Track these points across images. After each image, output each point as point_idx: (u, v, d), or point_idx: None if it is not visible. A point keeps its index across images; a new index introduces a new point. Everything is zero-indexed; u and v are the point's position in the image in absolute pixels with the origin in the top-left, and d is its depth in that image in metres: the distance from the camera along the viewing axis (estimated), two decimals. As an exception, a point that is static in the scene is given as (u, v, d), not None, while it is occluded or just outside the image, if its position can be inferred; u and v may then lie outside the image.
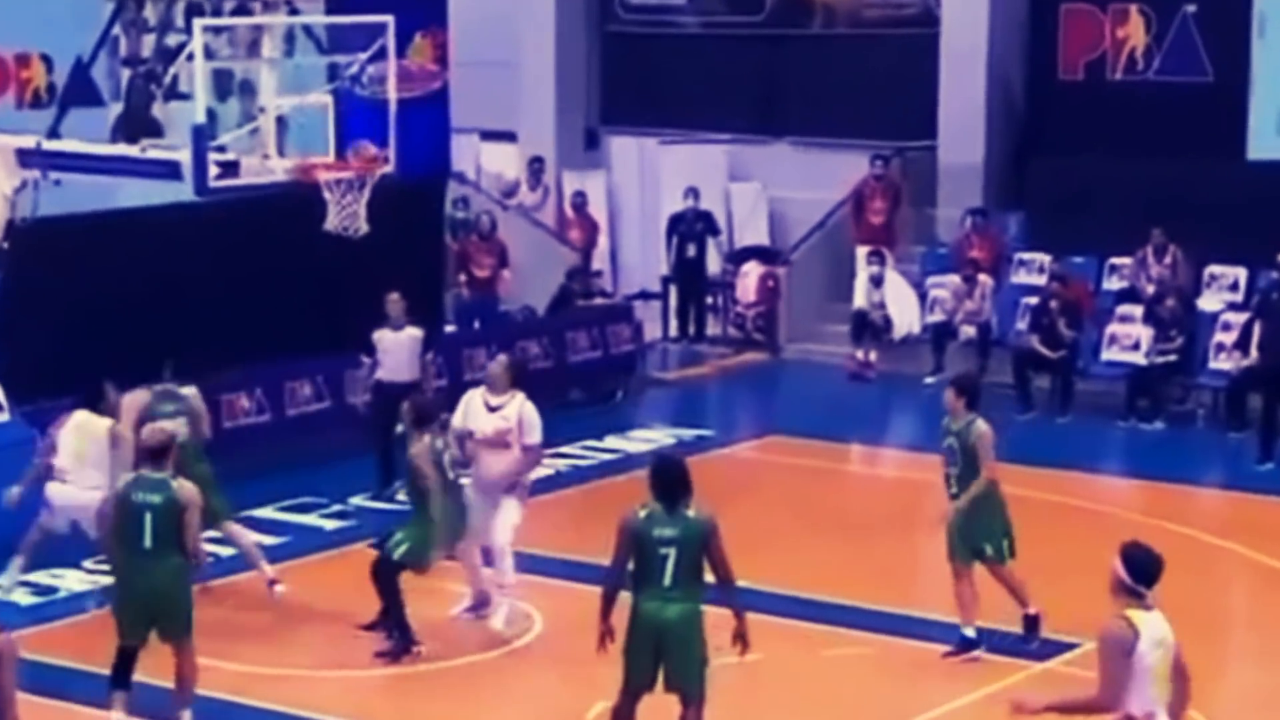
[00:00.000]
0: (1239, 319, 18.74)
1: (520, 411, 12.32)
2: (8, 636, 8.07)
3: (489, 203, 22.33)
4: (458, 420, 12.41)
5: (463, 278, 20.97)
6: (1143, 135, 20.72)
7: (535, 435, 12.35)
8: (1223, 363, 18.64)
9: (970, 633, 12.03)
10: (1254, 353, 17.81)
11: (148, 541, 10.55)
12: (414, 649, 12.02)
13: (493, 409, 12.29)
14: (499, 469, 12.32)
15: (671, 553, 9.38)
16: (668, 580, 9.37)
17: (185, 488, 10.66)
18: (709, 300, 23.18)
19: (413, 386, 15.67)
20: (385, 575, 12.09)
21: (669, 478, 9.57)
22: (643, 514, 9.50)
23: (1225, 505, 16.29)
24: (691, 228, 22.87)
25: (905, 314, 21.25)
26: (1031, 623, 12.17)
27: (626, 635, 9.50)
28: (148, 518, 10.53)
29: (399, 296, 15.86)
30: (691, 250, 22.83)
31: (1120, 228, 19.93)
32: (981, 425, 11.99)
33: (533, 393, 15.90)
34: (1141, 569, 7.86)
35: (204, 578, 12.26)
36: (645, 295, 23.51)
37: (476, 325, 20.65)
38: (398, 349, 15.80)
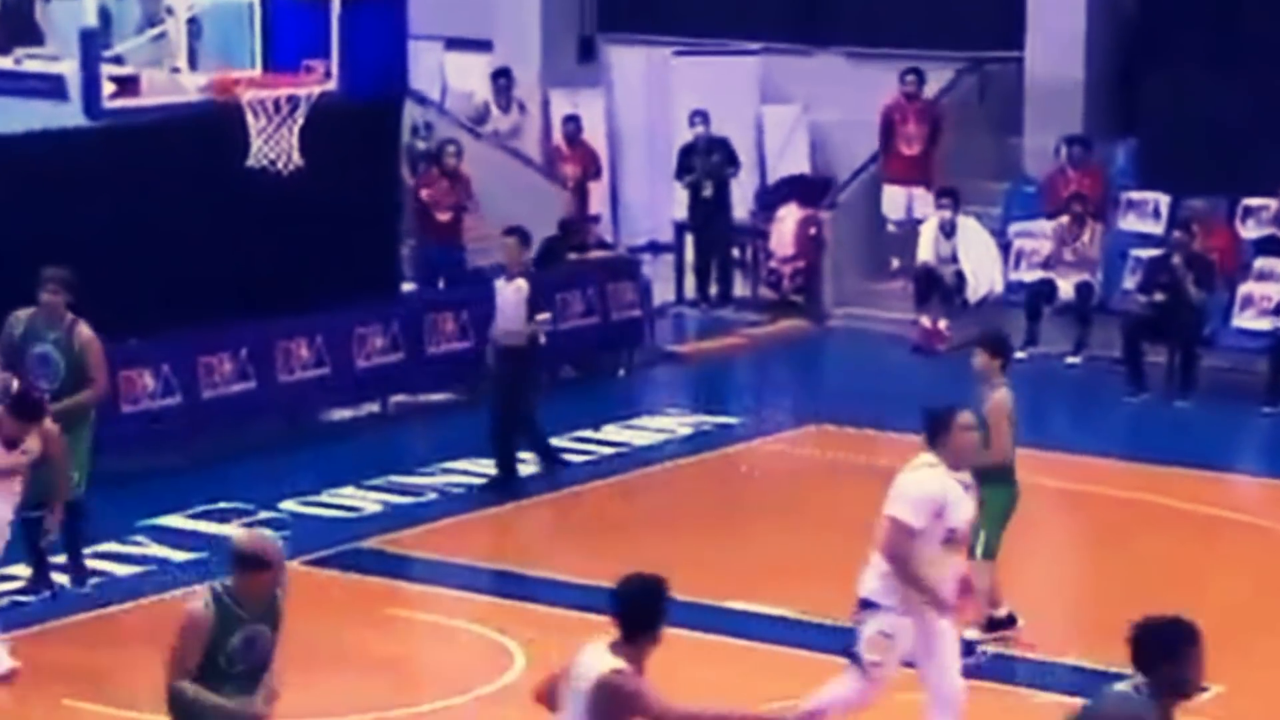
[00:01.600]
0: None
1: None
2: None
3: (456, 130, 22.24)
4: (917, 518, 10.60)
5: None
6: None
7: None
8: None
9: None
10: None
11: None
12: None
13: (968, 487, 10.94)
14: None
15: None
16: None
17: None
18: (735, 253, 23.11)
19: (525, 351, 16.04)
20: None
21: None
22: None
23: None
24: (706, 161, 22.77)
25: (984, 270, 21.15)
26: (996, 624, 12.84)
27: None
28: None
29: (516, 240, 16.38)
30: (709, 190, 22.71)
31: (1257, 160, 19.91)
32: (998, 395, 12.60)
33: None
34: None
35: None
36: (655, 248, 23.39)
37: (441, 284, 20.57)
38: (506, 302, 16.20)
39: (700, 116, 22.78)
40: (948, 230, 21.05)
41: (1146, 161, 21.44)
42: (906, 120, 22.04)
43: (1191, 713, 11.71)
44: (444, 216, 20.75)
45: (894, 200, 22.00)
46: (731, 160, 22.87)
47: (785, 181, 23.26)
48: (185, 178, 16.67)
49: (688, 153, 22.92)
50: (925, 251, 21.06)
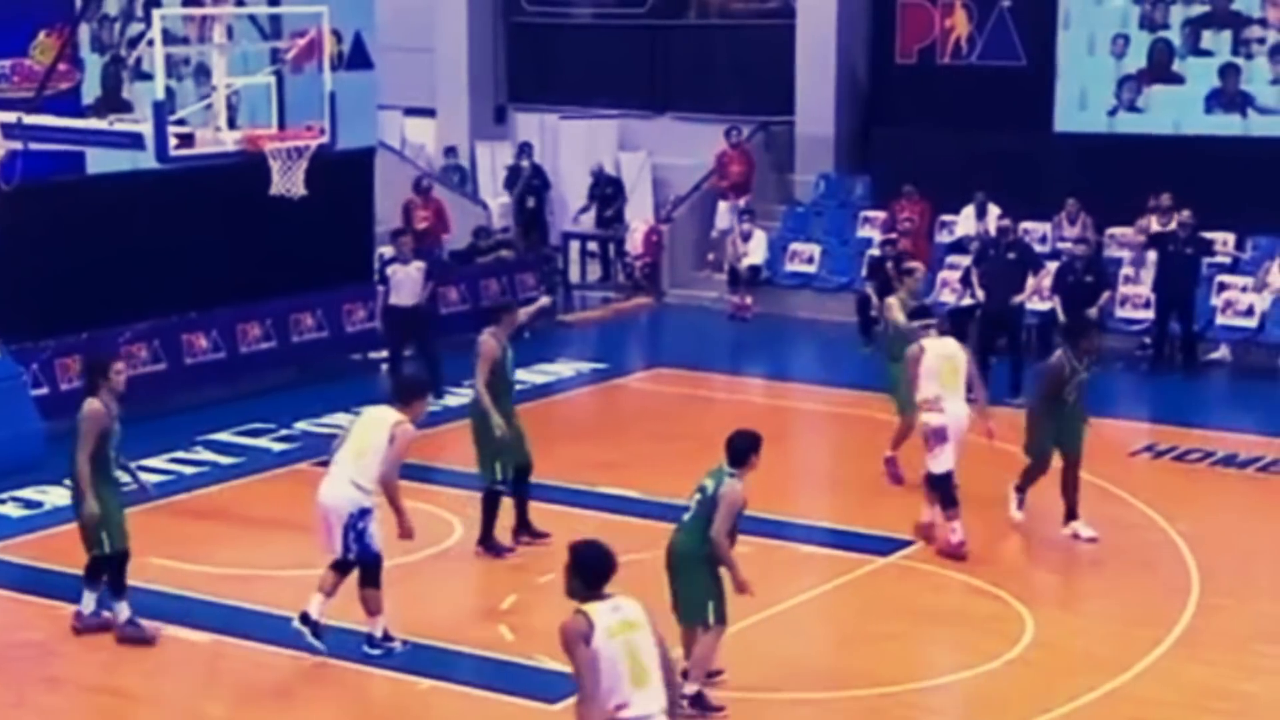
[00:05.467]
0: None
1: None
2: None
3: (410, 170, 22.01)
4: None
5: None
6: (966, 111, 20.77)
7: None
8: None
9: None
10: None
11: None
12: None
13: None
14: None
15: None
16: None
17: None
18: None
19: (418, 309, 16.34)
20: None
21: None
22: None
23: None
24: (529, 183, 22.58)
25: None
26: None
27: None
28: None
29: (409, 237, 16.90)
30: (531, 203, 22.57)
31: (950, 190, 20.04)
32: None
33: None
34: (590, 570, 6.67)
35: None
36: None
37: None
38: (406, 279, 16.30)
39: (526, 149, 22.46)
40: (745, 237, 21.19)
41: (876, 190, 21.63)
42: (732, 161, 21.93)
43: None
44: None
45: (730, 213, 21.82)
46: (545, 183, 22.59)
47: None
48: (226, 202, 16.49)
49: (514, 173, 22.54)
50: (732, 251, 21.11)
